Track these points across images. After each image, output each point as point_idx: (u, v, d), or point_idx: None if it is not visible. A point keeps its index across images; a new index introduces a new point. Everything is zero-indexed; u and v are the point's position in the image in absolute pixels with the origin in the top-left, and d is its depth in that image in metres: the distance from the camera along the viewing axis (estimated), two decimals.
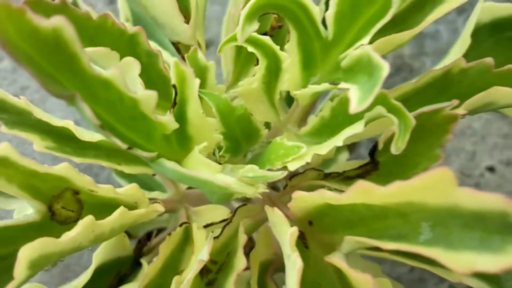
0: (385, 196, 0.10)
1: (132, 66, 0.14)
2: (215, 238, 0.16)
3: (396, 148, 0.12)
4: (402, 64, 0.62)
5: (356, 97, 0.11)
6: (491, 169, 0.54)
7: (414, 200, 0.10)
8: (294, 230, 0.12)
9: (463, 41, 0.20)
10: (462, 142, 0.55)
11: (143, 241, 0.24)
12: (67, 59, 0.11)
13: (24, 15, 0.10)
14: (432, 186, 0.10)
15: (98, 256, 0.20)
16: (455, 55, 0.20)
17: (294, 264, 0.11)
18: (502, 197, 0.09)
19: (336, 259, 0.12)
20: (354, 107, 0.11)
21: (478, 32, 0.20)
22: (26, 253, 0.12)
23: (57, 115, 0.44)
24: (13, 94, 0.49)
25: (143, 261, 0.21)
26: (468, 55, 0.21)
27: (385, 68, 0.11)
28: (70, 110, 0.50)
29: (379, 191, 0.10)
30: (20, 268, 0.12)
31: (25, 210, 0.19)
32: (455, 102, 0.14)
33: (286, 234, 0.12)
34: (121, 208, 0.15)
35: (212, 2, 0.57)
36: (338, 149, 0.25)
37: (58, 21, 0.10)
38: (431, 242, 0.10)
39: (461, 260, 0.09)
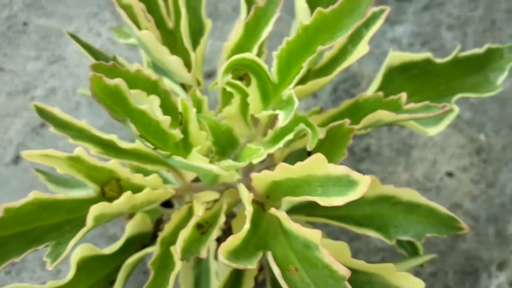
0: (296, 171, 0.18)
1: (155, 101, 0.22)
2: (207, 209, 0.24)
3: (310, 146, 0.20)
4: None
5: (281, 118, 0.19)
6: (450, 174, 0.62)
7: (311, 173, 0.18)
8: (250, 195, 0.20)
9: (377, 79, 0.28)
10: (425, 152, 0.63)
11: (159, 222, 0.32)
12: (122, 100, 0.19)
13: (101, 79, 0.18)
14: (318, 164, 0.18)
15: (129, 229, 0.28)
16: (372, 88, 0.28)
17: (248, 212, 0.19)
18: (346, 168, 0.17)
19: (276, 211, 0.20)
20: (280, 123, 0.19)
21: (392, 72, 0.29)
22: (93, 210, 0.20)
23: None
24: None
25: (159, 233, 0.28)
26: (387, 87, 0.29)
27: (295, 103, 0.19)
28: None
29: (293, 168, 0.18)
30: (89, 219, 0.20)
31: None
32: (347, 121, 0.22)
33: (247, 197, 0.20)
34: (147, 188, 0.23)
35: (215, 39, 0.67)
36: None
37: (117, 81, 0.18)
38: (320, 195, 0.18)
39: (331, 201, 0.17)
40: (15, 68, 0.68)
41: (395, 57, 0.28)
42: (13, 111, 0.66)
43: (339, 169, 0.17)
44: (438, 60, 0.28)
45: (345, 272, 0.16)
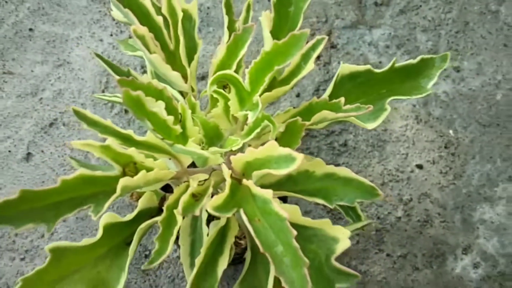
0: (258, 153, 0.29)
1: (161, 105, 0.33)
2: (199, 185, 0.35)
3: (271, 137, 0.31)
4: None
5: (250, 117, 0.30)
6: (420, 166, 0.74)
7: (269, 154, 0.29)
8: (229, 171, 0.31)
9: (331, 85, 0.39)
10: (397, 146, 0.75)
11: (163, 199, 0.43)
12: (141, 106, 0.30)
13: (129, 92, 0.29)
14: (273, 148, 0.28)
15: (141, 204, 0.39)
16: (327, 92, 0.39)
17: (227, 183, 0.30)
18: (290, 150, 0.28)
19: (247, 182, 0.31)
20: (249, 121, 0.30)
21: (343, 79, 0.39)
22: (121, 182, 0.31)
23: (88, 133, 0.64)
24: (54, 118, 0.70)
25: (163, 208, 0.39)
26: (340, 91, 0.40)
27: (260, 106, 0.30)
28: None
29: (258, 151, 0.29)
30: (118, 189, 0.31)
31: None
32: (299, 118, 0.33)
33: (227, 172, 0.31)
34: (156, 169, 0.34)
35: (207, 43, 0.78)
36: None
37: (138, 93, 0.29)
38: (275, 168, 0.29)
39: (280, 171, 0.28)
40: (23, 71, 0.78)
41: (345, 68, 0.39)
42: (23, 112, 0.77)
43: (286, 151, 0.28)
44: (377, 71, 0.39)
45: (286, 215, 0.27)
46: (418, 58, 0.40)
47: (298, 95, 0.77)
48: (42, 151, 0.75)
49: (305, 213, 0.68)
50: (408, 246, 0.71)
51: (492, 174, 0.74)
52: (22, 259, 0.72)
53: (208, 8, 0.81)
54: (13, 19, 0.81)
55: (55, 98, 0.77)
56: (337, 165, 0.74)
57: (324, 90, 0.77)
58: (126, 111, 0.76)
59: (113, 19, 0.79)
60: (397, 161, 0.74)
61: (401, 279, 0.70)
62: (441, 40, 0.78)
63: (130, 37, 0.79)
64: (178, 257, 0.69)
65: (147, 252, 0.71)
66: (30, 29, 0.81)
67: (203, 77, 0.77)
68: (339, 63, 0.77)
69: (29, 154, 0.75)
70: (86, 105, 0.76)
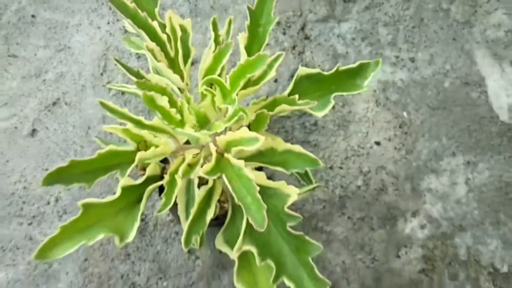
0: (235, 135, 0.45)
1: (165, 99, 0.48)
2: (193, 157, 0.50)
3: (245, 123, 0.47)
4: None
5: (230, 109, 0.45)
6: (378, 143, 0.91)
7: (242, 136, 0.45)
8: (215, 147, 0.47)
9: (292, 83, 0.54)
10: (359, 126, 0.91)
11: (162, 170, 0.58)
12: (153, 102, 0.45)
13: (147, 93, 0.44)
14: (244, 132, 0.44)
15: (148, 172, 0.54)
16: (289, 88, 0.54)
17: (213, 156, 0.46)
18: (256, 134, 0.43)
19: (228, 155, 0.46)
20: (229, 112, 0.45)
21: (301, 78, 0.55)
22: (138, 155, 0.46)
23: (89, 111, 0.81)
24: (57, 97, 0.86)
25: (165, 175, 0.55)
26: (299, 87, 0.56)
27: (236, 102, 0.45)
28: (100, 108, 0.84)
29: (234, 134, 0.45)
30: (136, 159, 0.46)
31: None
32: (265, 110, 0.49)
33: (213, 148, 0.47)
34: (161, 146, 0.49)
35: (195, 33, 0.92)
36: None
37: (152, 93, 0.44)
38: (245, 145, 0.44)
39: (249, 148, 0.44)
40: (27, 55, 0.92)
41: (302, 70, 0.54)
42: (28, 92, 0.90)
43: (253, 134, 0.43)
44: (325, 73, 0.54)
45: (252, 177, 0.43)
46: (357, 63, 0.55)
47: (275, 81, 0.92)
48: (46, 128, 0.89)
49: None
50: (366, 210, 0.89)
51: (438, 150, 0.92)
52: (30, 224, 0.87)
53: (196, 0, 0.94)
54: (16, 6, 0.94)
55: (57, 80, 0.91)
56: (308, 142, 0.91)
57: None
58: (122, 93, 0.90)
59: (110, 8, 0.92)
60: (359, 138, 0.91)
61: (360, 237, 0.88)
62: (399, 34, 0.94)
63: (124, 26, 0.92)
64: (171, 221, 0.86)
65: (143, 216, 0.87)
66: (33, 16, 0.94)
67: (192, 63, 0.92)
68: (311, 52, 0.92)
69: (34, 130, 0.89)
70: (86, 86, 0.90)
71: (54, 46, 0.92)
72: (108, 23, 0.93)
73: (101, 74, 0.90)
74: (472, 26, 0.97)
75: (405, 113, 0.92)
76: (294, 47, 0.92)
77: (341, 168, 0.89)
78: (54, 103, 0.90)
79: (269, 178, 0.49)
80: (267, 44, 0.91)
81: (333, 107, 0.90)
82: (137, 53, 0.91)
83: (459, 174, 0.91)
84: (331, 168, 0.89)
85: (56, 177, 0.44)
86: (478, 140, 0.93)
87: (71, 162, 0.44)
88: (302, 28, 0.93)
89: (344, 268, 0.86)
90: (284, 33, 0.92)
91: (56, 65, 0.92)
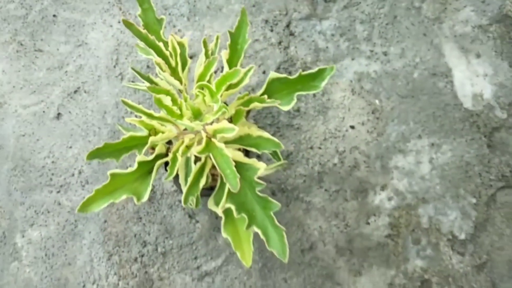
0: (219, 126, 0.70)
1: (169, 99, 0.74)
2: (190, 140, 0.76)
3: (227, 117, 0.71)
4: (305, 67, 1.20)
5: (215, 106, 0.70)
6: (352, 127, 1.15)
7: (224, 126, 0.69)
8: (205, 134, 0.72)
9: (265, 84, 0.78)
10: (337, 112, 1.15)
11: (167, 149, 0.84)
12: (161, 102, 0.70)
13: (155, 96, 0.69)
14: (225, 124, 0.69)
15: (157, 151, 0.80)
16: (263, 88, 0.78)
17: (203, 140, 0.71)
18: (234, 126, 0.68)
19: (214, 140, 0.71)
20: (215, 108, 0.69)
21: (273, 81, 0.79)
22: (151, 139, 0.71)
23: (104, 98, 1.08)
24: (77, 86, 1.14)
25: (169, 154, 0.81)
26: (270, 88, 0.80)
27: (220, 102, 0.69)
28: (114, 95, 1.09)
29: (219, 125, 0.69)
30: (149, 142, 0.71)
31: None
32: (242, 107, 0.73)
33: (204, 134, 0.72)
34: (167, 132, 0.74)
35: (194, 30, 1.16)
36: None
37: (161, 96, 0.69)
38: (225, 133, 0.69)
39: (228, 135, 0.69)
40: (50, 49, 1.17)
41: (273, 74, 0.78)
42: (52, 81, 1.16)
43: (231, 125, 0.68)
44: (291, 77, 0.78)
45: (230, 155, 0.67)
46: (316, 69, 0.79)
47: (264, 72, 1.16)
48: (69, 112, 1.15)
49: (267, 160, 1.10)
50: (341, 184, 1.14)
51: (406, 133, 1.16)
52: (58, 192, 1.14)
53: (195, 1, 1.18)
54: (39, 7, 1.18)
55: (77, 71, 1.16)
56: (292, 125, 1.16)
57: (284, 68, 1.17)
58: (132, 82, 1.15)
59: (120, 9, 1.17)
60: (336, 122, 1.16)
61: (335, 207, 1.14)
62: (374, 30, 1.16)
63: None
64: (175, 191, 1.12)
65: (152, 186, 1.14)
66: (54, 16, 1.18)
67: (191, 57, 1.16)
68: (295, 47, 1.15)
69: (59, 114, 1.15)
70: (101, 77, 1.15)
71: (73, 42, 1.17)
72: (119, 22, 1.17)
73: (114, 67, 1.15)
74: (441, 22, 1.19)
75: (377, 101, 1.16)
76: (280, 43, 1.16)
77: (320, 148, 1.14)
78: (75, 91, 1.15)
79: (258, 157, 0.74)
80: (257, 40, 1.15)
81: (314, 95, 1.14)
82: None
83: (424, 154, 1.15)
84: (311, 148, 1.14)
85: (95, 154, 0.69)
86: (442, 124, 1.16)
87: (105, 144, 0.70)
88: (288, 26, 1.17)
89: (321, 232, 1.12)
90: (272, 30, 1.15)
91: (75, 58, 1.17)
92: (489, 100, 1.17)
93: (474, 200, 1.14)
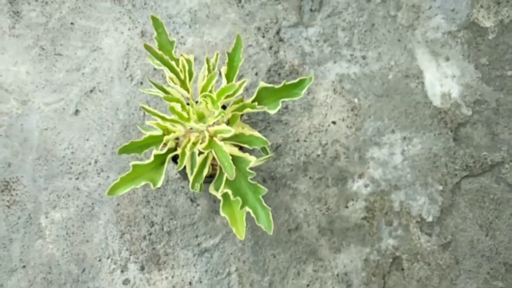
0: (218, 127, 0.98)
1: (179, 105, 1.02)
2: (196, 138, 1.04)
3: (225, 120, 1.00)
4: (293, 69, 1.48)
5: (215, 111, 0.98)
6: (334, 122, 1.44)
7: (222, 128, 0.98)
8: (208, 133, 1.00)
9: (255, 93, 1.06)
10: (320, 109, 1.44)
11: (177, 144, 1.13)
12: (174, 110, 0.99)
13: (170, 105, 0.97)
14: (223, 126, 0.98)
15: (168, 146, 1.09)
16: (254, 96, 1.06)
17: (206, 138, 0.99)
18: (230, 127, 0.97)
19: (215, 138, 1.00)
20: (215, 114, 0.98)
21: (262, 90, 1.08)
22: (165, 137, 1.00)
23: (117, 97, 1.39)
24: (93, 86, 1.45)
25: (178, 148, 1.09)
26: (261, 95, 1.09)
27: (219, 108, 0.98)
28: (125, 94, 1.38)
29: (218, 126, 0.98)
30: (164, 139, 1.00)
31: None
32: (237, 112, 1.01)
33: (207, 134, 1.00)
34: (177, 132, 1.03)
35: (195, 36, 1.44)
36: None
37: (173, 103, 0.98)
38: (224, 133, 0.98)
39: (226, 135, 0.97)
40: (69, 54, 1.44)
41: (262, 84, 1.07)
42: (71, 82, 1.44)
43: (228, 127, 0.97)
44: (276, 86, 1.07)
45: (227, 150, 0.96)
46: (297, 79, 1.08)
47: (256, 74, 1.44)
48: (86, 109, 1.43)
49: (258, 152, 1.39)
50: (323, 172, 1.43)
51: (381, 128, 1.44)
52: (77, 179, 1.43)
53: (195, 11, 1.45)
54: (58, 15, 1.46)
55: (92, 73, 1.44)
56: (281, 121, 1.44)
57: (275, 70, 1.45)
58: (141, 83, 1.43)
59: (130, 17, 1.44)
60: (319, 118, 1.44)
61: (318, 192, 1.43)
62: (354, 37, 1.44)
63: (142, 31, 1.44)
64: (178, 178, 1.41)
65: None
66: (72, 23, 1.46)
67: (195, 59, 1.43)
68: (284, 51, 1.43)
69: (77, 110, 1.43)
70: (114, 78, 1.43)
71: (89, 47, 1.45)
72: (129, 29, 1.44)
73: (125, 69, 1.43)
74: (415, 29, 1.47)
75: (356, 99, 1.44)
76: (271, 47, 1.44)
77: (305, 141, 1.43)
78: (91, 91, 1.43)
79: (251, 151, 1.03)
80: (250, 45, 1.43)
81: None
82: None
83: (397, 146, 1.44)
84: (297, 141, 1.43)
85: (124, 150, 0.98)
86: (413, 120, 1.45)
87: (131, 142, 0.98)
88: (278, 32, 1.44)
89: (305, 214, 1.41)
90: (263, 36, 1.43)
91: (91, 61, 1.45)
92: (456, 99, 1.45)
93: (440, 187, 1.43)
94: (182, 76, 1.03)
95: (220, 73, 1.31)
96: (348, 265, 1.39)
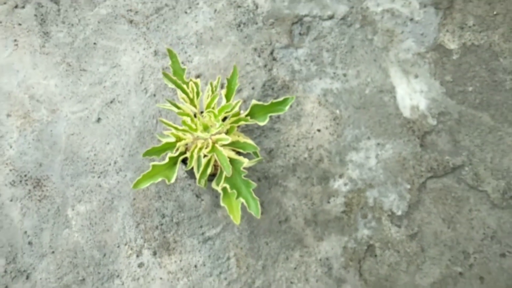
0: (219, 136, 1.40)
1: (189, 118, 1.44)
2: (202, 144, 1.46)
3: (224, 130, 1.41)
4: (284, 84, 1.92)
5: (217, 123, 1.39)
6: (319, 130, 1.86)
7: (221, 137, 1.39)
8: (211, 140, 1.42)
9: (248, 108, 1.47)
10: (308, 119, 1.86)
11: (186, 148, 1.55)
12: (186, 123, 1.41)
13: (183, 119, 1.39)
14: (222, 135, 1.39)
15: (179, 150, 1.51)
16: (248, 110, 1.47)
17: (209, 143, 1.41)
18: (227, 136, 1.38)
19: (216, 145, 1.41)
20: (217, 126, 1.39)
21: (254, 106, 1.49)
22: (178, 143, 1.41)
23: (133, 107, 1.83)
24: (113, 98, 1.89)
25: (187, 152, 1.51)
26: (253, 110, 1.51)
27: (220, 120, 1.39)
28: (140, 105, 1.80)
29: (218, 135, 1.39)
30: (177, 145, 1.41)
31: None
32: (234, 124, 1.43)
33: (210, 141, 1.42)
34: (187, 139, 1.45)
35: (200, 55, 1.86)
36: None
37: (186, 118, 1.39)
38: (223, 141, 1.39)
39: (224, 142, 1.39)
40: (92, 69, 1.87)
41: (254, 102, 1.48)
42: (94, 94, 1.86)
43: (226, 136, 1.38)
44: (265, 103, 1.48)
45: (226, 154, 1.37)
46: (282, 98, 1.49)
47: (253, 88, 1.85)
48: (107, 117, 1.85)
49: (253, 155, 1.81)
50: (309, 173, 1.84)
51: (358, 135, 1.86)
52: (99, 177, 1.85)
53: (201, 33, 1.87)
54: (82, 36, 1.88)
55: (112, 86, 1.86)
56: (273, 128, 1.87)
57: (269, 85, 1.86)
58: (154, 95, 1.85)
59: (145, 39, 1.86)
60: (307, 127, 1.85)
61: (304, 190, 1.84)
62: (337, 57, 1.86)
63: (155, 51, 1.86)
64: (186, 177, 1.82)
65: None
66: (94, 43, 1.88)
67: (197, 76, 1.85)
68: (277, 69, 1.85)
69: (99, 118, 1.85)
70: (131, 91, 1.85)
71: (109, 64, 1.87)
72: (144, 49, 1.86)
73: (140, 83, 1.85)
74: (388, 50, 1.88)
75: (338, 111, 1.86)
76: (265, 65, 1.85)
77: (294, 146, 1.84)
78: (111, 102, 1.86)
79: (247, 155, 1.45)
80: (248, 63, 1.84)
81: (290, 106, 1.84)
82: (162, 68, 1.85)
83: (372, 151, 1.85)
84: (288, 146, 1.84)
85: (147, 153, 1.39)
86: (386, 129, 1.86)
87: (152, 147, 1.40)
88: (271, 53, 1.86)
89: (294, 208, 1.83)
90: (259, 56, 1.85)
91: (111, 76, 1.87)
92: (423, 111, 1.86)
93: (408, 186, 1.84)
94: (191, 96, 1.45)
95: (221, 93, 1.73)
96: (329, 252, 1.80)
